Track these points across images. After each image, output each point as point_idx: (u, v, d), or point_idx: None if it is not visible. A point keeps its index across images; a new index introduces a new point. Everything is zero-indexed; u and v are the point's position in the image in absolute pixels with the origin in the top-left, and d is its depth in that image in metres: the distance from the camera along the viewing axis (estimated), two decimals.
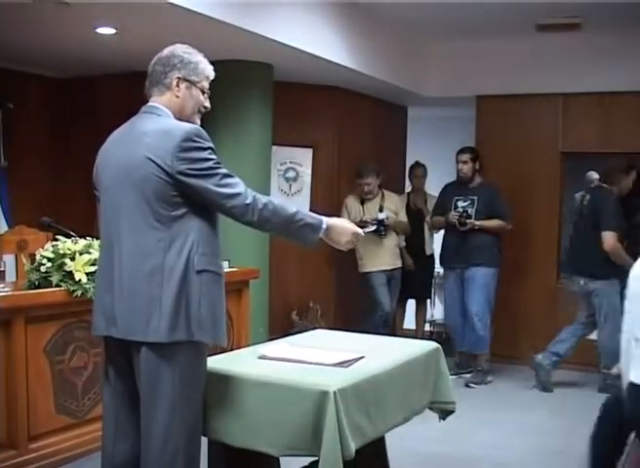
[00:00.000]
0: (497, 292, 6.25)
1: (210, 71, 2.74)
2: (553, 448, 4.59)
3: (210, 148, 2.55)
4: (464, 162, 6.24)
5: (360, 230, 2.84)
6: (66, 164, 7.03)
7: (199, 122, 2.74)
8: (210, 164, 2.52)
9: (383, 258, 6.53)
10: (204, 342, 2.58)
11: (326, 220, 2.72)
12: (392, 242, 6.60)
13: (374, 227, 6.19)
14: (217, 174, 2.52)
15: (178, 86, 2.65)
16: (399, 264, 6.69)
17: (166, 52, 2.70)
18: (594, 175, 7.94)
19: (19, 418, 3.80)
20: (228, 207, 2.54)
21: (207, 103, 2.75)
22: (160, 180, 2.48)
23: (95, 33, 5.15)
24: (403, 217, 6.69)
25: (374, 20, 6.23)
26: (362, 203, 6.54)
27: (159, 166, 2.48)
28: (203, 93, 2.72)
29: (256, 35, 4.95)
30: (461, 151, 6.30)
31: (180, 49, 2.71)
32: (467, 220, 6.09)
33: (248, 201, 2.54)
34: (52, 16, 4.69)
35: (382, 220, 6.38)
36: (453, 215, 6.14)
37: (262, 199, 2.58)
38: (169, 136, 2.50)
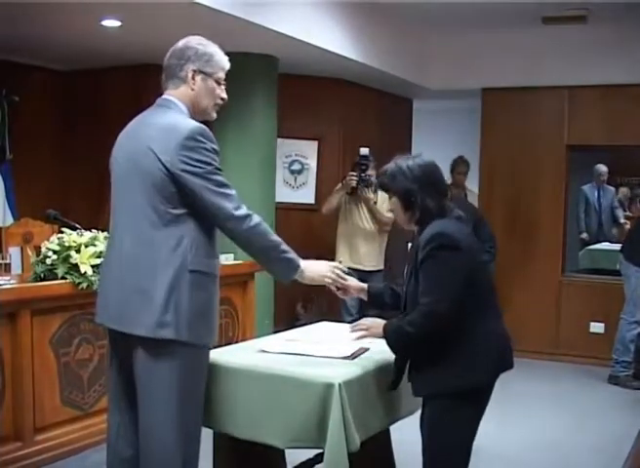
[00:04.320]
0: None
1: (225, 62, 2.69)
2: (554, 440, 4.59)
3: (213, 150, 2.51)
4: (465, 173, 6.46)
5: (331, 273, 2.77)
6: (72, 156, 7.05)
7: (215, 115, 2.71)
8: (210, 168, 2.48)
9: (361, 256, 5.82)
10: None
11: (302, 263, 2.66)
12: (376, 241, 5.87)
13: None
14: (214, 180, 2.48)
15: (193, 78, 2.61)
16: (380, 266, 5.92)
17: (180, 44, 2.66)
18: (603, 169, 7.94)
19: (24, 410, 3.81)
20: (225, 211, 2.50)
21: (224, 94, 2.70)
22: (160, 175, 2.46)
23: (100, 26, 5.16)
24: (384, 211, 5.47)
25: (379, 13, 6.20)
26: (350, 194, 5.77)
27: (160, 160, 2.46)
28: (219, 84, 2.67)
29: (261, 27, 4.94)
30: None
31: (195, 41, 2.66)
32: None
33: (243, 212, 2.52)
34: (57, 8, 4.68)
35: (366, 156, 5.65)
36: None
37: (257, 217, 2.56)
38: (172, 132, 2.48)
